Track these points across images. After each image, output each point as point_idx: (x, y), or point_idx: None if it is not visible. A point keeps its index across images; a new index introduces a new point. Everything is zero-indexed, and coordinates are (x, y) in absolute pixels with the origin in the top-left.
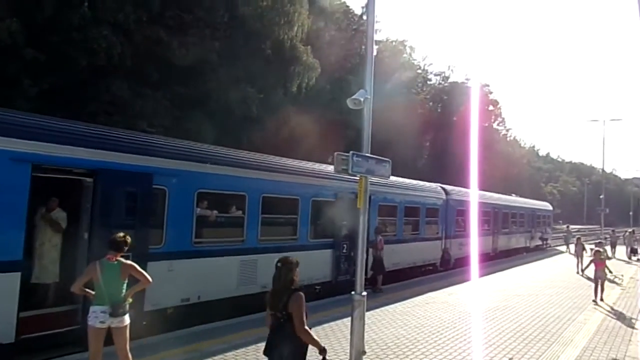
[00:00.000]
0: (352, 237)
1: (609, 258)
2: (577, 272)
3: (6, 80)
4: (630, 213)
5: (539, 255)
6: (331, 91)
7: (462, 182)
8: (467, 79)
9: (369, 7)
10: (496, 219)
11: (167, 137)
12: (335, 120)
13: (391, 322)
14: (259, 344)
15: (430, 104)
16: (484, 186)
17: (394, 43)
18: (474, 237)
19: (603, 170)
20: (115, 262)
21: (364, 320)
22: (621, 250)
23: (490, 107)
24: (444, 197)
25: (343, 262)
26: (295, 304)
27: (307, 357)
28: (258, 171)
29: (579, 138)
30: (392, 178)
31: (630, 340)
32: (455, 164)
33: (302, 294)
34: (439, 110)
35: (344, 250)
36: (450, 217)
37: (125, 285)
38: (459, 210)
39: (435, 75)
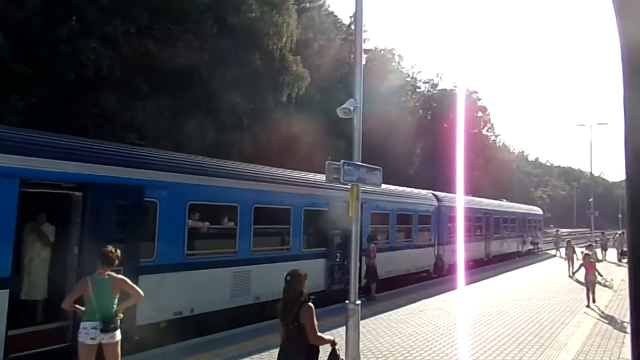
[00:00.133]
0: (345, 246)
1: (600, 261)
2: (569, 276)
3: None
4: (619, 215)
5: (531, 260)
6: (321, 100)
7: (454, 188)
8: (455, 86)
9: (357, 16)
10: (488, 225)
11: (157, 149)
12: (326, 129)
13: (386, 330)
14: (253, 356)
15: (420, 111)
16: (475, 192)
17: (382, 52)
18: (466, 243)
19: (591, 173)
20: (107, 277)
21: (358, 329)
22: (612, 253)
23: (479, 114)
24: (435, 203)
25: (336, 271)
26: (306, 315)
27: None
28: (249, 182)
29: (567, 142)
30: (384, 186)
31: (623, 343)
32: (447, 171)
33: (311, 304)
34: (428, 117)
35: (337, 259)
36: (443, 223)
37: (116, 300)
38: (451, 217)
39: (424, 82)
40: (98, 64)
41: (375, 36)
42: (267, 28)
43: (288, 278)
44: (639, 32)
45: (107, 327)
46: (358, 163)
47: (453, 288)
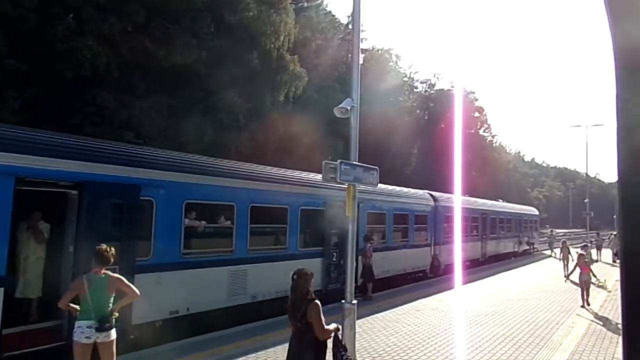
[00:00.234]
0: (342, 245)
1: (595, 261)
2: (564, 276)
3: None
4: (615, 216)
5: (526, 260)
6: (318, 100)
7: (450, 188)
8: (452, 87)
9: (355, 16)
10: (484, 225)
11: (154, 148)
12: (324, 129)
13: (382, 330)
14: (249, 355)
15: (417, 111)
16: (472, 192)
17: (380, 51)
18: (463, 243)
19: (587, 174)
20: (103, 276)
21: (354, 329)
22: (607, 253)
23: (476, 114)
24: (432, 203)
25: (333, 271)
26: (314, 312)
27: None
28: (246, 181)
29: (563, 143)
30: (381, 185)
31: (617, 343)
32: (443, 171)
33: (318, 302)
34: (425, 117)
35: (334, 259)
36: (439, 223)
37: (112, 299)
38: (448, 217)
39: (421, 82)
40: (95, 62)
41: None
42: (265, 27)
43: (295, 277)
44: (631, 32)
45: (102, 326)
46: (355, 163)
47: (449, 288)
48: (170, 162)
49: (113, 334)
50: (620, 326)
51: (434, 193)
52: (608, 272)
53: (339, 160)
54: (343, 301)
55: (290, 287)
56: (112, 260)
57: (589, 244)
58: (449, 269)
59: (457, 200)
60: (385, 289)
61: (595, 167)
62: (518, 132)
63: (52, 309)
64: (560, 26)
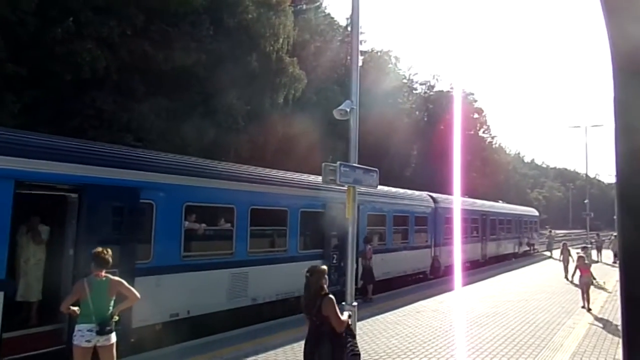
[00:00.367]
0: (342, 247)
1: (595, 262)
2: (565, 277)
3: None
4: (615, 217)
5: (527, 261)
6: (318, 102)
7: (450, 189)
8: (451, 88)
9: (354, 18)
10: (484, 226)
11: (153, 151)
12: (323, 131)
13: (382, 331)
14: (249, 358)
15: (417, 113)
16: (472, 193)
17: (379, 53)
18: (463, 244)
19: (586, 175)
20: (104, 279)
21: (355, 331)
22: (607, 254)
23: (476, 115)
24: (432, 205)
25: (333, 273)
26: (329, 307)
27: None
28: (246, 183)
29: (563, 144)
30: (381, 187)
31: (619, 344)
32: (443, 172)
33: (332, 297)
34: (425, 119)
35: (334, 261)
36: (439, 225)
37: (112, 302)
38: (448, 218)
39: (421, 84)
40: (94, 65)
41: (371, 38)
42: (264, 29)
43: (308, 274)
44: (628, 33)
45: (103, 329)
46: (354, 165)
47: (450, 289)
48: (170, 164)
49: (113, 337)
50: (620, 327)
51: (433, 194)
52: (609, 273)
53: (338, 162)
54: (343, 303)
55: (304, 284)
56: (110, 262)
57: (589, 245)
58: (449, 270)
59: (457, 202)
60: (386, 291)
61: (595, 167)
62: (518, 133)
63: (52, 313)
64: (558, 27)
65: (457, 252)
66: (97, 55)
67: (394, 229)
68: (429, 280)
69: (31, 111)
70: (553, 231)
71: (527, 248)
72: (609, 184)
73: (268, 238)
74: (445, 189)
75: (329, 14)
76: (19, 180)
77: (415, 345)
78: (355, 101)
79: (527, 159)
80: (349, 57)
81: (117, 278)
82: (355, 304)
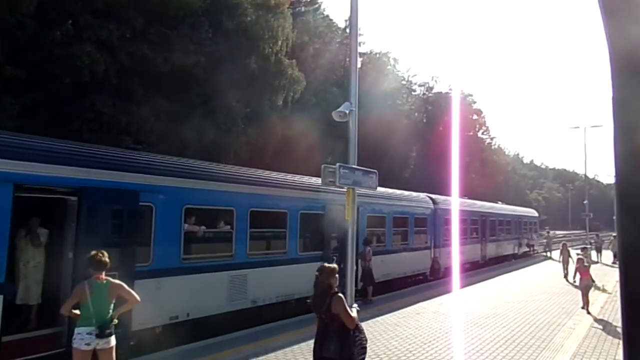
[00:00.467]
0: (342, 249)
1: (595, 262)
2: (564, 277)
3: None
4: (614, 217)
5: (526, 262)
6: (317, 104)
7: (450, 191)
8: (450, 89)
9: (352, 20)
10: (484, 227)
11: (152, 153)
12: (323, 133)
13: (383, 333)
14: None
15: (416, 114)
16: (471, 194)
17: (377, 55)
18: (462, 245)
19: (586, 176)
20: (105, 282)
21: None
22: (607, 255)
23: (474, 116)
24: (432, 206)
25: None
26: (338, 304)
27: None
28: (245, 185)
29: (562, 145)
30: (380, 189)
31: (619, 344)
32: (442, 173)
33: (341, 295)
34: (424, 120)
35: (334, 263)
36: (439, 226)
37: (112, 305)
38: (447, 219)
39: (420, 86)
40: (93, 68)
41: (370, 39)
42: (263, 32)
43: (317, 273)
44: (626, 34)
45: (102, 332)
46: (354, 166)
47: (449, 291)
48: (169, 167)
49: (113, 340)
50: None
51: (433, 196)
52: (608, 274)
53: (337, 164)
54: None
55: (313, 282)
56: (108, 263)
57: (589, 246)
58: (449, 271)
59: (457, 203)
60: (386, 293)
61: (594, 168)
62: (517, 134)
63: (51, 316)
64: (557, 28)
65: (457, 253)
66: (96, 58)
67: (393, 231)
68: (429, 281)
69: (30, 114)
70: (551, 232)
71: (527, 249)
72: (608, 185)
73: (268, 240)
74: (445, 190)
75: (327, 16)
76: (18, 183)
77: (415, 346)
78: (354, 103)
79: (526, 160)
80: (347, 59)
81: (117, 281)
82: (355, 305)
